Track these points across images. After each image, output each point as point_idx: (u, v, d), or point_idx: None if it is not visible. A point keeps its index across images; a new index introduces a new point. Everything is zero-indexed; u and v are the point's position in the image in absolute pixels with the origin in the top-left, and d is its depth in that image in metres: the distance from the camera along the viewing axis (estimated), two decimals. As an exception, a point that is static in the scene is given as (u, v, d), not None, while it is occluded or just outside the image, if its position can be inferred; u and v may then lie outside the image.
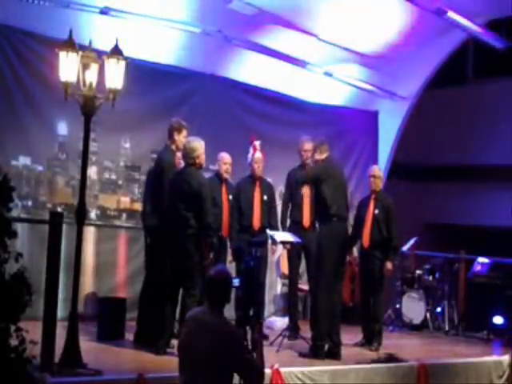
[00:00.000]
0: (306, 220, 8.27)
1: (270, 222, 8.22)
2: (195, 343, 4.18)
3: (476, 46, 12.33)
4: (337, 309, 7.30)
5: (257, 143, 8.14)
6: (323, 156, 7.43)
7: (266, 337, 7.73)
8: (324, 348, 7.15)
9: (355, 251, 8.60)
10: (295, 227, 8.24)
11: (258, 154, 8.12)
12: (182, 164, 7.04)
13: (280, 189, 9.21)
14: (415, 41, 10.12)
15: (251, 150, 8.14)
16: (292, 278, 8.48)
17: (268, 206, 8.23)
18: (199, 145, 6.87)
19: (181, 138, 7.12)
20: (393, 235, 8.22)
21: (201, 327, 4.22)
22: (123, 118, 8.38)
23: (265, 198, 8.20)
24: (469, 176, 12.55)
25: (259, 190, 8.19)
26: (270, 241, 8.05)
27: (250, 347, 4.88)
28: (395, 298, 10.17)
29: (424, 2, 8.88)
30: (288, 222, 8.45)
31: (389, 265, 8.18)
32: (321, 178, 7.30)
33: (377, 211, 8.26)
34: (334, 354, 7.14)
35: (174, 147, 7.17)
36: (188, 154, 6.84)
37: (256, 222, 8.09)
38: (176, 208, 6.73)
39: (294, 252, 8.25)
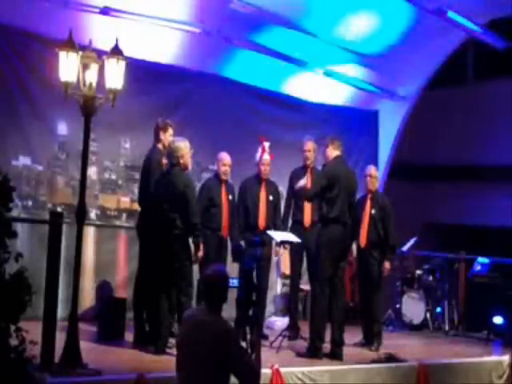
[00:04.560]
0: (307, 220, 8.25)
1: (275, 222, 8.20)
2: (192, 342, 4.18)
3: (476, 46, 12.32)
4: (339, 310, 7.25)
5: (266, 145, 8.10)
6: (335, 154, 7.27)
7: (265, 337, 7.73)
8: (322, 348, 7.12)
9: (354, 251, 8.58)
10: (296, 227, 8.23)
11: (267, 156, 8.09)
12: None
13: (280, 189, 9.18)
14: (415, 41, 10.12)
15: (259, 151, 8.13)
16: (293, 278, 8.45)
17: (273, 207, 8.22)
18: (183, 145, 6.82)
19: (167, 137, 7.12)
20: (390, 235, 8.22)
21: (198, 326, 4.22)
22: (123, 118, 8.38)
23: (270, 198, 8.19)
24: (469, 176, 12.55)
25: (265, 191, 8.17)
26: (274, 242, 8.00)
27: (247, 348, 4.88)
28: (395, 298, 10.17)
29: (424, 1, 8.88)
30: (290, 221, 8.43)
31: (387, 264, 8.19)
32: (329, 183, 7.11)
33: (373, 211, 8.27)
34: (335, 355, 7.10)
35: (160, 146, 7.16)
36: (171, 153, 6.82)
37: (262, 222, 8.08)
38: (161, 209, 6.71)
39: (295, 252, 8.23)
